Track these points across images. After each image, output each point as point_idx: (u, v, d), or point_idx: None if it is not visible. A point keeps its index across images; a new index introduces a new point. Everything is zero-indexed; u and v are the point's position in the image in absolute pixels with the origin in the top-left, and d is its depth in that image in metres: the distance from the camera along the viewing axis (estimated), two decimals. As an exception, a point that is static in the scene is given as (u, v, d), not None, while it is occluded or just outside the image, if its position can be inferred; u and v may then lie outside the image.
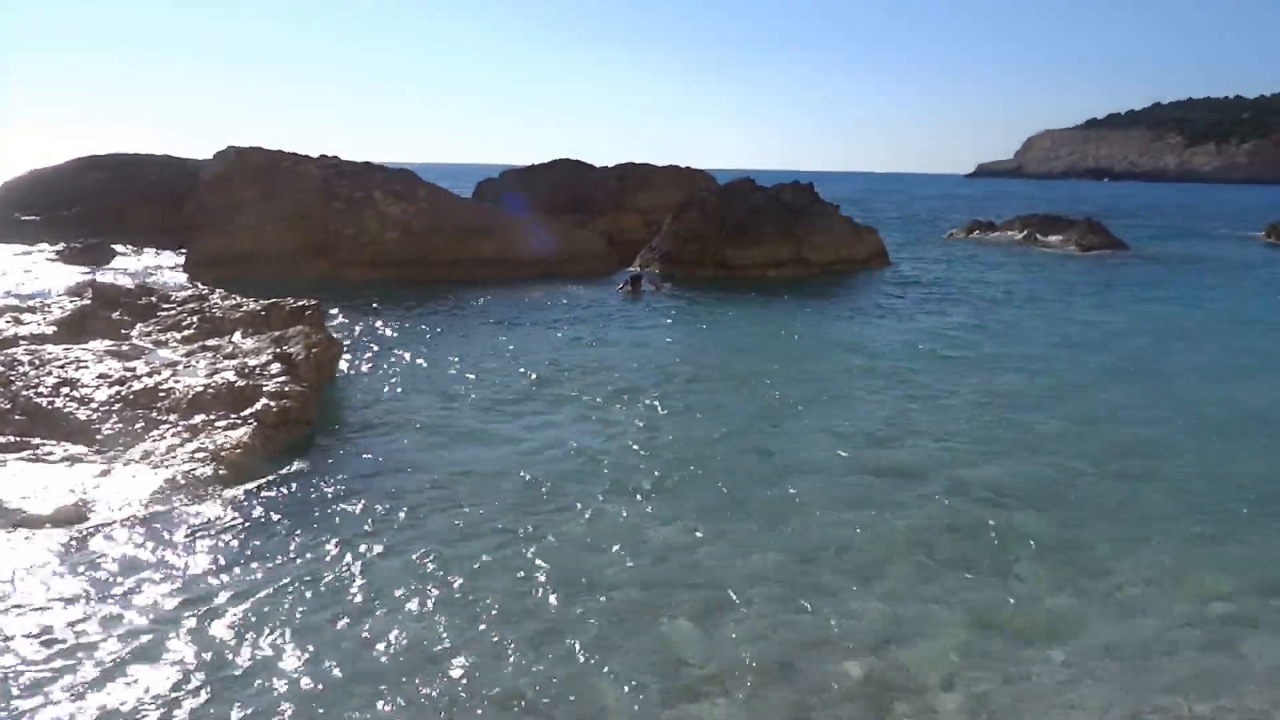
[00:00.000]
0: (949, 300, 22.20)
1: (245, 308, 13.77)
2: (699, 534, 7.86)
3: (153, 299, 14.50)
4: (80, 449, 8.96)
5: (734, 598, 6.73)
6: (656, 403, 12.04)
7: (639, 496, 8.70)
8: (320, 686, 5.50)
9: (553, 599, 6.66)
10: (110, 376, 10.46)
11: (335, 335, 13.50)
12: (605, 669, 5.78)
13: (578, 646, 6.02)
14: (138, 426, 9.46)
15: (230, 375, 10.54)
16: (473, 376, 13.24)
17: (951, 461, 9.86)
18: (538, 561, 7.25)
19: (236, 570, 6.94)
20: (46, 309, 13.49)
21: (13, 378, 10.14)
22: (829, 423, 11.28)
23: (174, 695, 5.35)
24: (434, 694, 5.48)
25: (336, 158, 24.89)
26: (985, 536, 7.90)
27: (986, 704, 5.52)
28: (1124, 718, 5.42)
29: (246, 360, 11.19)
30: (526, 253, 24.72)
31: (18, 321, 12.71)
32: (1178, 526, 8.18)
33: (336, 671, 5.67)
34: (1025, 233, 39.93)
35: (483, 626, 6.25)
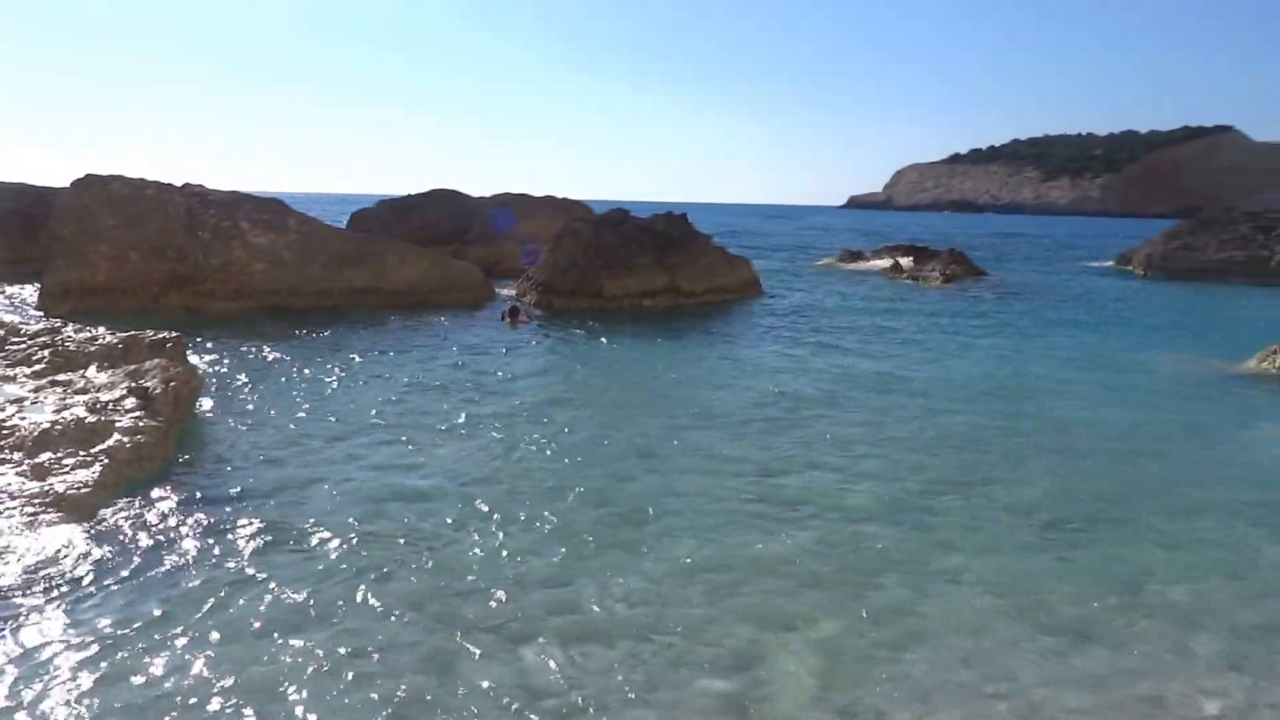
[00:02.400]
0: (819, 328, 22.94)
1: (101, 341, 13.25)
2: (567, 562, 7.89)
3: (0, 332, 13.82)
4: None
5: (599, 624, 6.80)
6: (530, 432, 12.08)
7: (508, 525, 8.70)
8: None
9: (412, 630, 6.61)
10: (-53, 415, 9.93)
11: (198, 368, 13.13)
12: (464, 698, 5.77)
13: (435, 679, 5.98)
14: (-24, 467, 9.01)
15: (81, 411, 10.14)
16: (343, 409, 13.01)
17: (819, 486, 10.16)
18: (397, 594, 7.18)
19: (72, 612, 6.68)
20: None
21: None
22: (702, 450, 11.50)
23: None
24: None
25: (202, 186, 24.18)
26: (849, 556, 8.17)
27: (848, 716, 5.73)
28: None
29: (99, 395, 10.79)
30: (401, 283, 24.47)
31: None
32: (1027, 540, 8.65)
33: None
34: (892, 262, 41.56)
35: (333, 663, 6.14)
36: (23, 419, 9.95)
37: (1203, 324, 25.88)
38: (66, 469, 8.94)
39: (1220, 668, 6.38)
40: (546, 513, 9.07)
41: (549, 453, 11.21)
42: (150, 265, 22.10)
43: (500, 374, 15.95)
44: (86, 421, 9.81)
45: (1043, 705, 5.85)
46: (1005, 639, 6.72)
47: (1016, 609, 7.19)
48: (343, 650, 6.29)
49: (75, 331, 13.90)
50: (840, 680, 6.11)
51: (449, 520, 8.82)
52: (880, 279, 38.43)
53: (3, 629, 6.42)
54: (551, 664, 6.23)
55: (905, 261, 41.24)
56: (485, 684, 5.95)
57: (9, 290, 25.87)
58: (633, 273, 25.95)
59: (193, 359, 13.91)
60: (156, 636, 6.39)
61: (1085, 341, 21.85)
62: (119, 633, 6.41)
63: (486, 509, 9.15)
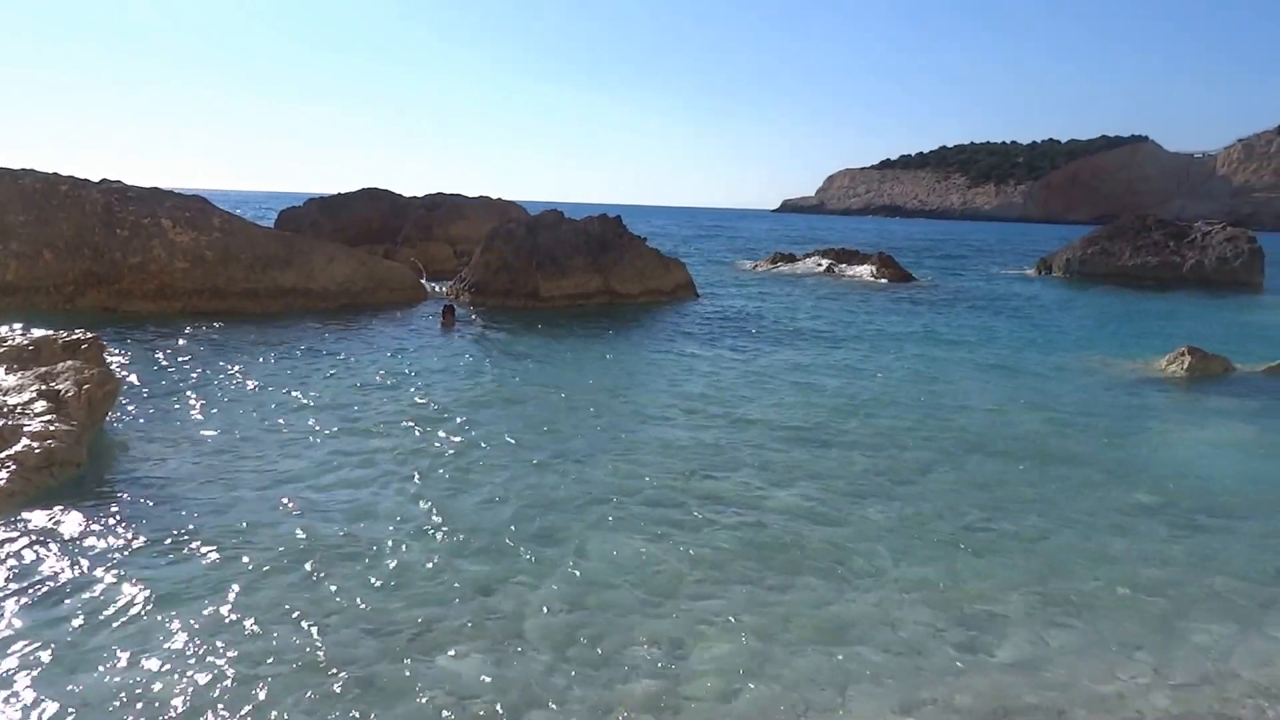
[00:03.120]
0: (752, 330, 23.19)
1: (10, 342, 12.80)
2: (491, 565, 7.87)
3: (-100, 333, 13.26)
4: None
5: (522, 627, 6.79)
6: (457, 435, 12.00)
7: (432, 529, 8.64)
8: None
9: (332, 639, 6.51)
10: None
11: (115, 370, 12.76)
12: (385, 706, 5.72)
13: (355, 688, 5.91)
14: (-125, 473, 8.64)
15: (-13, 415, 9.79)
16: (265, 413, 12.76)
17: (744, 485, 10.28)
18: (316, 602, 7.07)
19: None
20: None
21: None
22: (629, 451, 11.56)
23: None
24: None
25: (120, 182, 23.49)
26: (771, 555, 8.30)
27: (767, 713, 5.81)
28: (895, 712, 5.83)
29: (7, 399, 10.42)
30: (330, 283, 24.09)
31: None
32: (945, 538, 8.86)
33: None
34: (824, 265, 42.18)
35: (251, 674, 6.03)
36: (-74, 423, 9.56)
37: (1117, 327, 26.75)
38: (-28, 475, 8.62)
39: (1124, 654, 6.64)
40: (472, 516, 9.02)
41: (475, 455, 11.15)
42: (65, 263, 21.41)
43: (428, 376, 15.80)
44: (-6, 425, 9.47)
45: (959, 698, 6.00)
46: (923, 634, 6.89)
47: (933, 605, 7.37)
48: (261, 661, 6.19)
49: (-17, 332, 13.40)
50: (764, 678, 6.20)
51: (371, 525, 8.71)
52: (811, 281, 38.97)
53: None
54: (475, 669, 6.19)
55: (836, 264, 41.87)
56: (407, 691, 5.90)
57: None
58: (567, 274, 25.93)
59: (109, 361, 13.51)
60: (64, 650, 6.21)
61: (1005, 343, 22.43)
62: (23, 646, 6.21)
63: (410, 513, 9.07)
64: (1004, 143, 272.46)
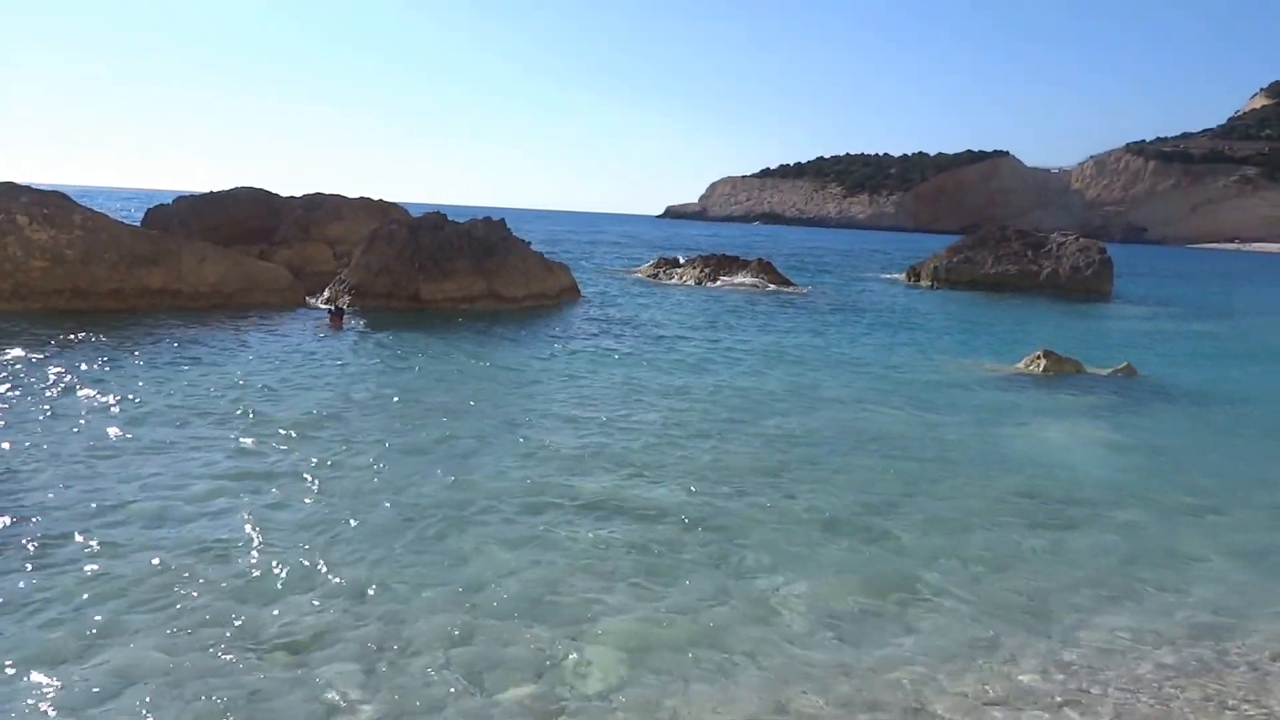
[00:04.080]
0: (635, 334, 23.49)
1: None
2: (369, 571, 7.80)
3: None
4: None
5: (402, 634, 6.75)
6: (334, 439, 11.85)
7: (307, 536, 8.51)
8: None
9: (204, 649, 6.38)
10: None
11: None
12: (261, 718, 5.67)
13: (226, 698, 5.81)
14: None
15: None
16: (129, 419, 12.29)
17: (625, 487, 10.46)
18: (186, 611, 6.89)
19: None
20: None
21: None
22: (511, 454, 11.63)
23: None
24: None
25: (-27, 176, 22.22)
26: (653, 556, 8.47)
27: (649, 714, 5.95)
28: (771, 711, 6.02)
29: None
30: (201, 284, 23.31)
31: None
32: (820, 537, 9.22)
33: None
34: (705, 270, 42.91)
35: (120, 687, 5.89)
36: None
37: (979, 331, 28.16)
38: None
39: (985, 645, 7.04)
40: (350, 522, 8.92)
41: (350, 460, 11.02)
42: (-89, 260, 20.12)
43: (303, 380, 15.51)
44: None
45: (831, 695, 6.24)
46: (800, 632, 7.13)
47: (808, 603, 7.63)
48: (131, 673, 6.04)
49: None
50: (645, 679, 6.32)
51: (239, 532, 8.52)
52: (693, 286, 39.65)
53: None
54: (351, 678, 6.12)
55: (717, 270, 42.66)
56: (282, 702, 5.81)
57: None
58: (450, 277, 25.76)
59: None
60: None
61: (875, 346, 23.37)
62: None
63: (285, 519, 8.93)
64: (877, 154, 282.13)
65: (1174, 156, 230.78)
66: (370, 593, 7.41)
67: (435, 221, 27.44)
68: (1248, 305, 45.51)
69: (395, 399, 14.43)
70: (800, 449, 12.54)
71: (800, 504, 10.14)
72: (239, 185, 34.39)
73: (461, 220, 28.37)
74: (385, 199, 35.88)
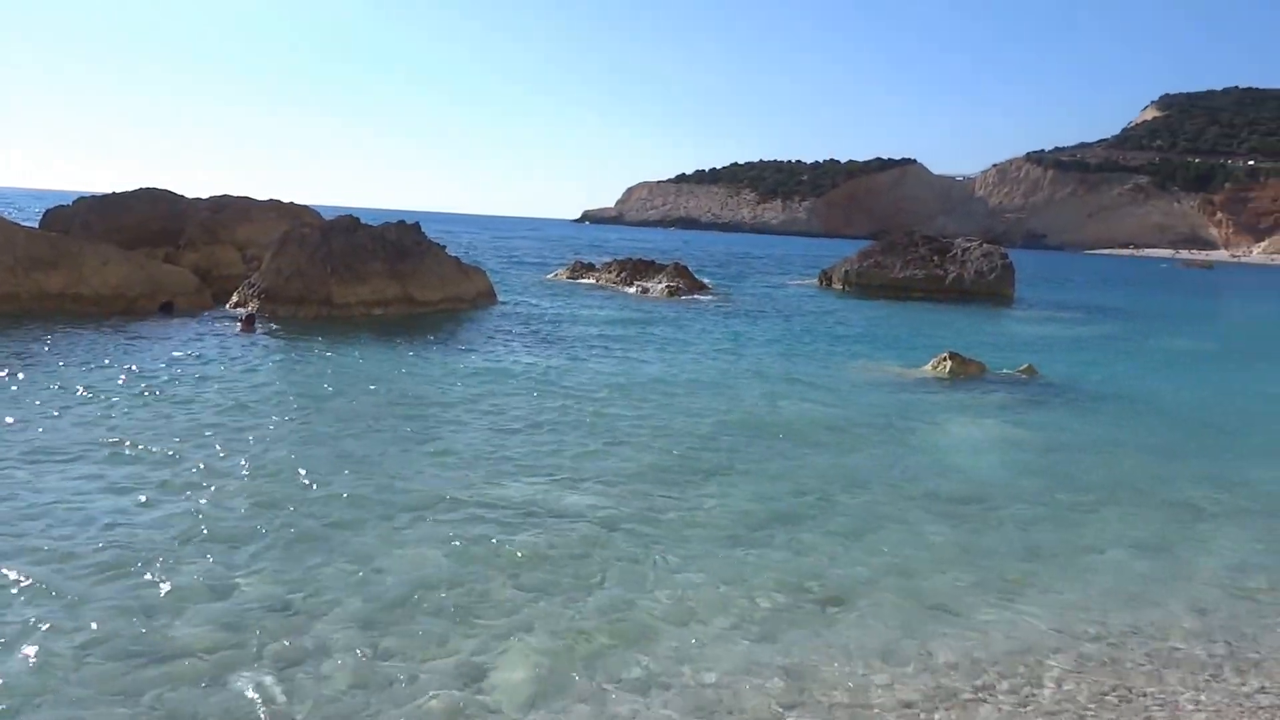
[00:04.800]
0: (549, 337, 23.50)
1: None
2: (282, 581, 7.68)
3: None
4: None
5: (318, 643, 6.67)
6: (244, 445, 11.61)
7: (218, 545, 8.34)
8: None
9: (109, 662, 6.22)
10: None
11: None
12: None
13: (129, 713, 5.68)
14: None
15: None
16: (25, 428, 11.84)
17: (542, 490, 10.49)
18: (92, 624, 6.69)
19: None
20: None
21: None
22: (426, 459, 11.56)
23: None
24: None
25: None
26: (570, 559, 8.51)
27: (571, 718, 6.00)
28: (687, 713, 6.11)
29: None
30: (103, 288, 22.53)
31: None
32: (735, 537, 9.38)
33: None
34: (621, 274, 43.11)
35: (19, 704, 5.73)
36: None
37: (888, 334, 28.92)
38: None
39: (893, 643, 7.23)
40: (261, 530, 8.76)
41: (263, 467, 10.82)
42: None
43: (211, 385, 15.14)
44: None
45: (745, 697, 6.35)
46: (715, 633, 7.24)
47: (721, 604, 7.75)
48: (34, 695, 5.85)
49: None
50: (566, 685, 6.36)
51: (148, 544, 8.30)
52: (610, 290, 39.82)
53: None
54: (267, 692, 6.02)
55: (633, 274, 42.89)
56: (192, 716, 5.70)
57: None
58: (364, 281, 25.39)
59: None
60: None
61: (788, 349, 23.85)
62: None
63: (193, 528, 8.72)
64: (790, 161, 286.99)
65: (1071, 165, 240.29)
66: (280, 603, 7.28)
67: (348, 225, 27.02)
68: (1140, 309, 47.64)
69: (304, 405, 14.20)
70: (712, 452, 12.71)
71: (713, 506, 10.28)
72: (143, 186, 33.29)
73: (375, 224, 27.98)
74: (296, 201, 35.15)
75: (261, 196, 34.31)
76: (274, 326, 22.18)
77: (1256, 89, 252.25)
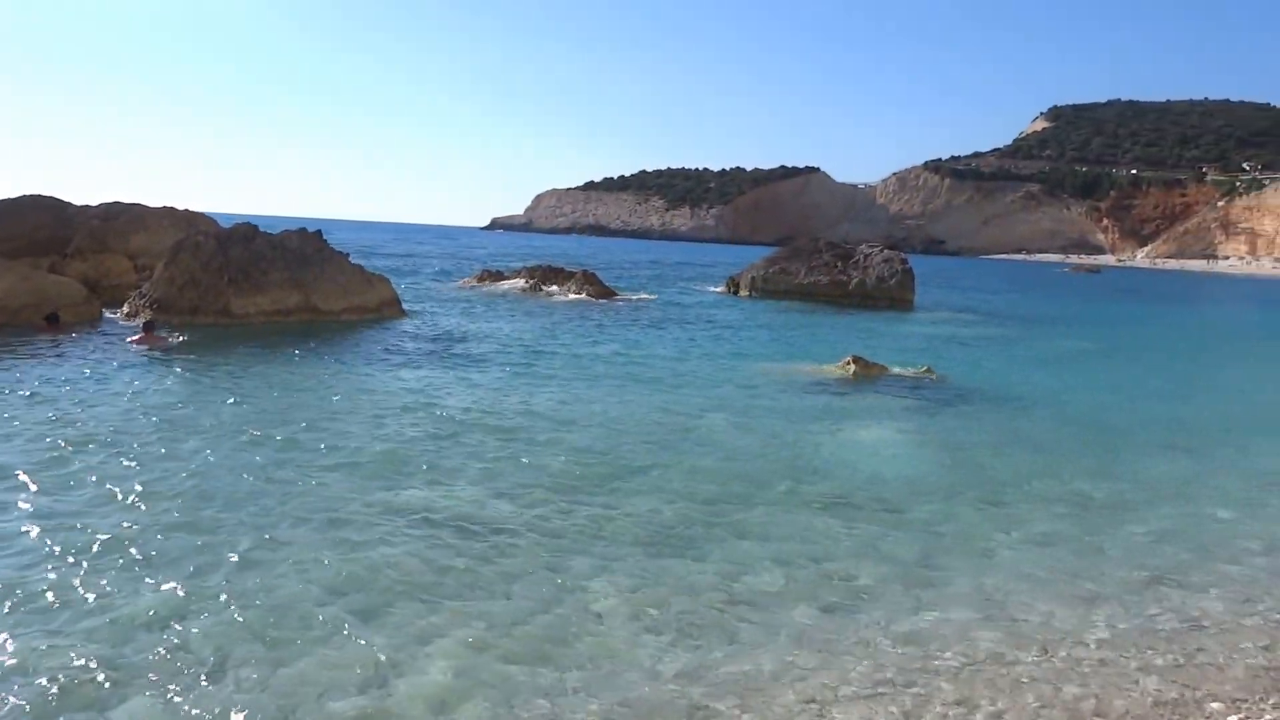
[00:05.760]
0: (457, 347, 23.19)
1: None
2: (175, 597, 7.44)
3: None
4: None
5: (214, 660, 6.49)
6: (136, 458, 11.18)
7: (107, 564, 8.04)
8: None
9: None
10: None
11: None
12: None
13: None
14: None
15: None
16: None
17: (449, 499, 10.37)
18: None
19: None
20: None
21: None
22: (328, 469, 11.30)
23: None
24: None
25: None
26: (480, 567, 8.44)
27: None
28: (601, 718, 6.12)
29: None
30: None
31: None
32: (646, 542, 9.42)
33: None
34: (530, 282, 42.89)
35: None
36: None
37: (793, 338, 29.40)
38: None
39: (799, 644, 7.34)
40: (152, 547, 8.47)
41: (151, 477, 10.47)
42: None
43: (97, 399, 14.53)
44: None
45: (664, 701, 6.38)
46: (627, 638, 7.25)
47: (633, 609, 7.77)
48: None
49: None
50: (475, 695, 6.29)
51: (23, 557, 8.00)
52: (518, 298, 39.57)
53: None
54: (159, 712, 5.83)
55: (542, 282, 42.73)
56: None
57: None
58: (263, 290, 24.73)
59: None
60: None
61: (696, 355, 24.01)
62: None
63: (80, 546, 8.38)
64: (697, 169, 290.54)
65: (967, 174, 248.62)
66: (172, 619, 7.06)
67: (245, 233, 26.28)
68: (1033, 311, 49.47)
69: (196, 417, 13.72)
70: (617, 459, 12.71)
71: (618, 513, 10.27)
72: (25, 193, 31.80)
73: (274, 231, 27.29)
74: (191, 209, 34.05)
75: (156, 204, 33.11)
76: (176, 338, 21.40)
77: (1137, 102, 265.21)
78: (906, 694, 6.53)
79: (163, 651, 6.56)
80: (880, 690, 6.58)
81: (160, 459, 11.37)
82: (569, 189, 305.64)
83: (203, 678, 6.27)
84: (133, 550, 8.35)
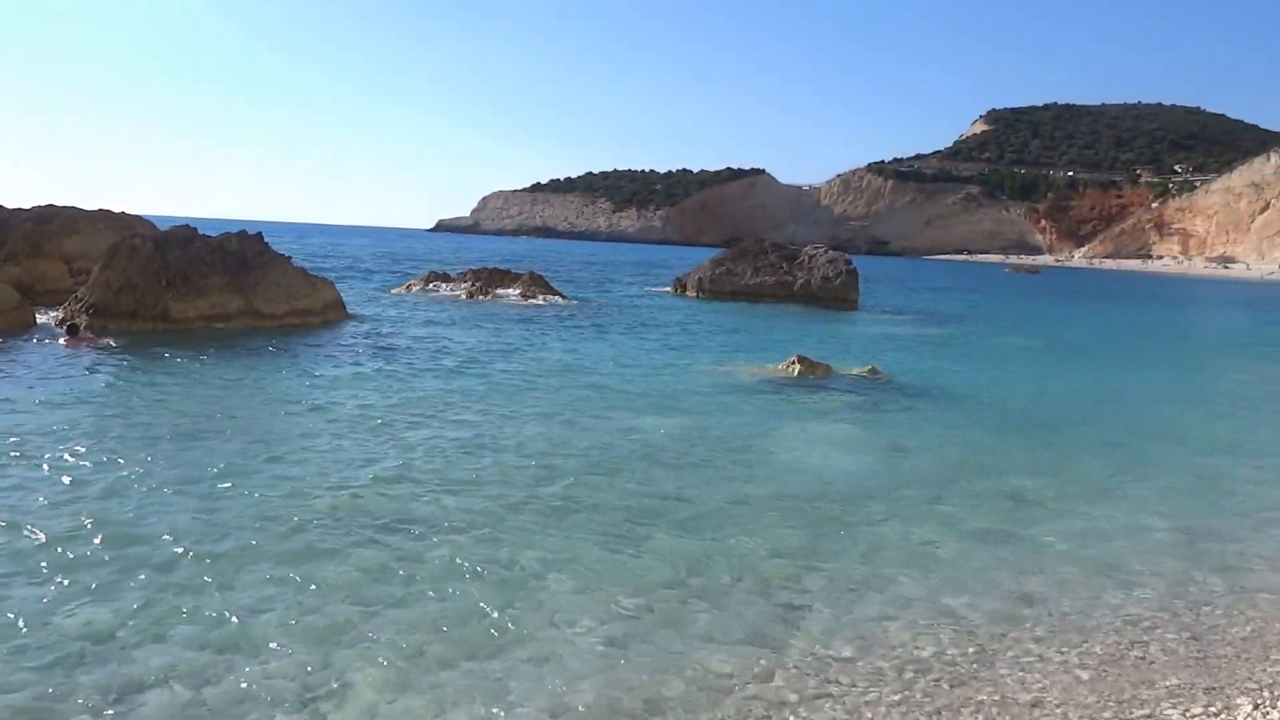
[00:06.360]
0: (403, 350, 23.00)
1: None
2: (111, 610, 7.28)
3: None
4: None
5: (150, 673, 6.37)
6: (74, 472, 10.92)
7: (38, 576, 7.86)
8: None
9: None
10: None
11: None
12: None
13: None
14: None
15: None
16: None
17: (393, 502, 10.30)
18: None
19: None
20: None
21: None
22: (271, 476, 11.15)
23: None
24: None
25: None
26: (423, 570, 8.38)
27: None
28: (541, 717, 6.12)
29: None
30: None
31: None
32: (596, 540, 9.44)
33: None
34: (477, 284, 42.63)
35: None
36: None
37: (739, 339, 29.63)
38: None
39: (744, 643, 7.40)
40: (85, 559, 8.29)
41: (86, 491, 10.23)
42: None
43: (30, 407, 14.18)
44: None
45: (609, 698, 6.41)
46: (569, 638, 7.26)
47: (582, 609, 7.79)
48: None
49: None
50: (416, 698, 6.26)
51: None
52: (463, 300, 39.33)
53: None
54: None
55: (488, 284, 42.50)
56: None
57: None
58: (203, 294, 24.28)
59: None
60: None
61: (642, 356, 24.10)
62: None
63: (15, 551, 8.23)
64: (644, 170, 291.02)
65: (909, 176, 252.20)
66: (101, 635, 6.92)
67: (184, 235, 25.78)
68: (974, 310, 50.41)
69: (135, 425, 13.46)
70: (567, 455, 12.75)
71: (562, 514, 10.28)
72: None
73: (214, 234, 26.79)
74: (127, 211, 33.33)
75: (91, 206, 32.32)
76: (104, 342, 20.94)
77: (1074, 105, 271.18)
78: (851, 692, 6.63)
79: (82, 668, 6.42)
80: (825, 689, 6.67)
81: (82, 468, 11.09)
82: (516, 191, 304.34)
83: (128, 694, 6.14)
84: (53, 564, 8.14)
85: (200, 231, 26.57)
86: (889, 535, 10.20)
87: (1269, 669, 7.18)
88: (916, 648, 7.41)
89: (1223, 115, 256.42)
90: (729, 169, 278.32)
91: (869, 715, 6.32)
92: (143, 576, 7.98)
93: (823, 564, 9.20)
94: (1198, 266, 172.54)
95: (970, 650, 7.40)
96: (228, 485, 10.71)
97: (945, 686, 6.77)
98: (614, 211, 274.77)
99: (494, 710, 6.17)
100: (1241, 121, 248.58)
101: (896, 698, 6.57)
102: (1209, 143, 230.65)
